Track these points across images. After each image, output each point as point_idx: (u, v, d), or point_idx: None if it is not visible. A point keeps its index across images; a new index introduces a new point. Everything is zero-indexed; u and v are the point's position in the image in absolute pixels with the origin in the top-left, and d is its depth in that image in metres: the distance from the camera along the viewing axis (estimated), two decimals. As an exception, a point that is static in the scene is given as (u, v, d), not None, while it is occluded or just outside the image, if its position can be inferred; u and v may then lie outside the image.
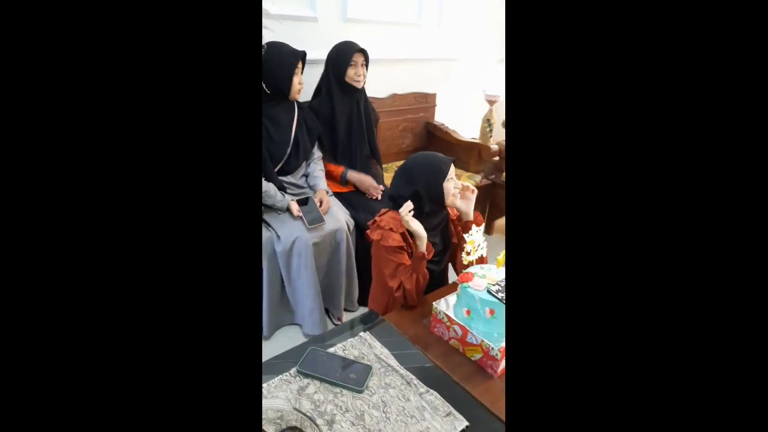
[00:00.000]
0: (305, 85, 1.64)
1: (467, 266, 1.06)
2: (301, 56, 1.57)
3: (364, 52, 1.72)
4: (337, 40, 1.74)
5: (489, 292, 0.95)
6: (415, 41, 2.28)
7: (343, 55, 1.70)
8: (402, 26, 2.20)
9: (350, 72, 1.72)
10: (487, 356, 0.94)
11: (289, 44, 1.56)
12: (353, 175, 1.80)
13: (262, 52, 1.52)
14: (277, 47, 1.55)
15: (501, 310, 0.95)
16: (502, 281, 0.98)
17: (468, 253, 1.02)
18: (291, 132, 1.63)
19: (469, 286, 0.98)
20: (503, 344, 0.94)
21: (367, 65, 1.75)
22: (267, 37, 1.54)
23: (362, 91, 1.80)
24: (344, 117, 1.78)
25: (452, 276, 1.30)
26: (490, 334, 0.97)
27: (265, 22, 1.51)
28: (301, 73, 1.59)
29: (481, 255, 1.08)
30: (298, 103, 1.68)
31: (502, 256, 1.05)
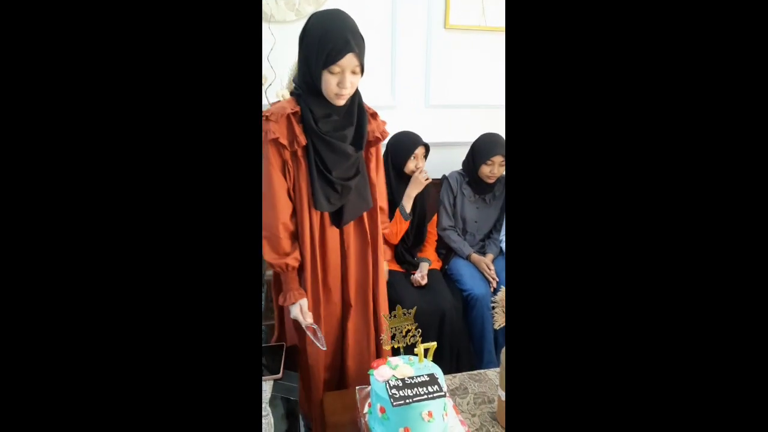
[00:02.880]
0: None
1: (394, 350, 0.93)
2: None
3: (426, 145, 1.72)
4: (419, 127, 1.83)
5: (387, 386, 0.82)
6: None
7: (405, 148, 1.71)
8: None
9: (410, 164, 1.71)
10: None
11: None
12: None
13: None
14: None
15: (394, 414, 0.80)
16: (414, 378, 0.83)
17: (392, 336, 0.91)
18: None
19: (373, 373, 0.86)
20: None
21: (426, 156, 1.75)
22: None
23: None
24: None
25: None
26: (381, 439, 0.82)
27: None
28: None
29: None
30: None
31: (430, 348, 0.90)
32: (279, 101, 1.14)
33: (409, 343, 0.91)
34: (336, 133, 1.08)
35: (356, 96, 1.10)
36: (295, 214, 1.12)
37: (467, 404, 1.03)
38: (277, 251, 1.09)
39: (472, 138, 1.86)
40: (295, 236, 1.13)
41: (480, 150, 1.79)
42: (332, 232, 1.16)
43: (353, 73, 1.01)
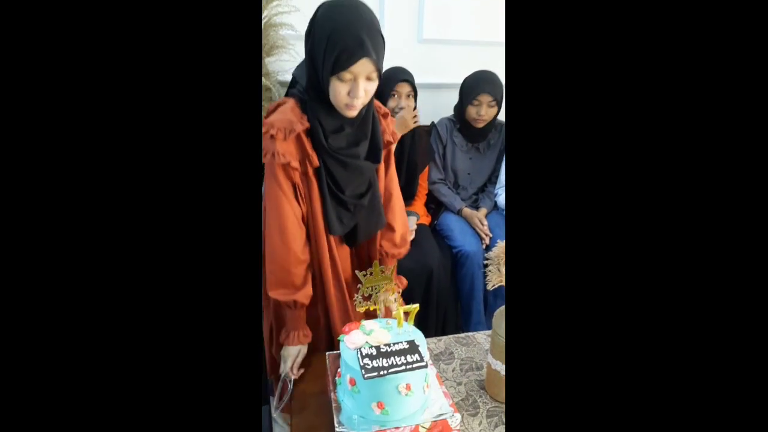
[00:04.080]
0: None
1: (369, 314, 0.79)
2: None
3: (410, 81, 1.51)
4: (411, 63, 1.63)
5: (358, 354, 0.69)
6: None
7: (384, 83, 1.46)
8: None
9: (390, 104, 1.51)
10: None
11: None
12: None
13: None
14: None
15: (365, 387, 0.68)
16: (390, 346, 0.71)
17: (366, 297, 0.77)
18: None
19: (343, 339, 0.74)
20: (373, 429, 0.67)
21: (415, 96, 1.54)
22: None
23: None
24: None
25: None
26: (350, 415, 0.71)
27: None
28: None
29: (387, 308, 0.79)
30: None
31: (411, 311, 0.77)
32: (278, 106, 0.89)
33: (387, 305, 0.78)
34: (349, 149, 0.89)
35: (370, 102, 0.90)
36: (309, 241, 0.93)
37: (452, 371, 0.92)
38: (286, 286, 0.90)
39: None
40: (308, 267, 0.94)
41: (466, 88, 1.60)
42: (343, 252, 0.99)
43: (368, 79, 0.81)
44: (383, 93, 1.51)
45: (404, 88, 1.51)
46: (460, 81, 1.65)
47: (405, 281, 1.07)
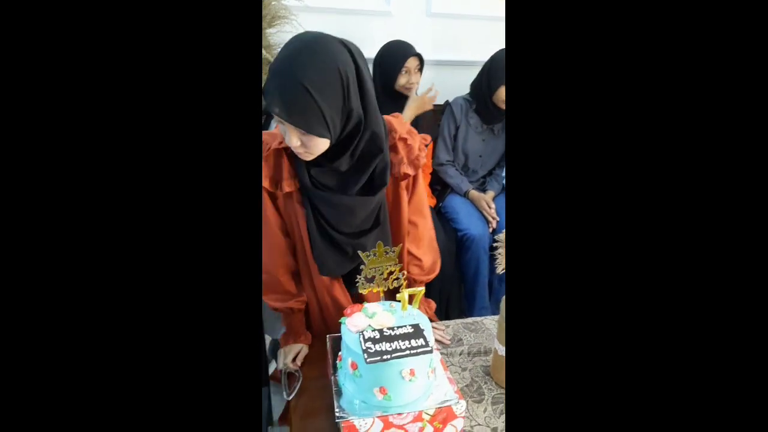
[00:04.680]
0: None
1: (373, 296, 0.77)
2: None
3: (419, 56, 1.46)
4: (417, 38, 1.56)
5: (361, 338, 0.66)
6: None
7: (393, 59, 1.45)
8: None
9: (401, 80, 1.46)
10: None
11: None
12: None
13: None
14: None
15: (368, 371, 0.65)
16: (394, 330, 0.67)
17: (369, 279, 0.73)
18: None
19: (345, 322, 0.70)
20: (374, 415, 0.64)
21: (421, 69, 1.49)
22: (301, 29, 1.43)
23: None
24: None
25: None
26: (351, 399, 0.68)
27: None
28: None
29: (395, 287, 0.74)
30: None
31: (416, 294, 0.73)
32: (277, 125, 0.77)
33: (390, 288, 0.74)
34: (335, 182, 0.77)
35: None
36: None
37: (459, 356, 0.89)
38: (277, 292, 0.86)
39: (482, 57, 1.58)
40: (297, 274, 0.87)
41: (498, 68, 1.48)
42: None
43: (302, 133, 0.69)
44: (393, 70, 1.46)
45: (413, 63, 1.46)
46: (472, 58, 1.58)
47: (434, 305, 1.00)
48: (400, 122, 0.85)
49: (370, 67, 1.48)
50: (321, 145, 0.71)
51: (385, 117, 0.83)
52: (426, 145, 0.87)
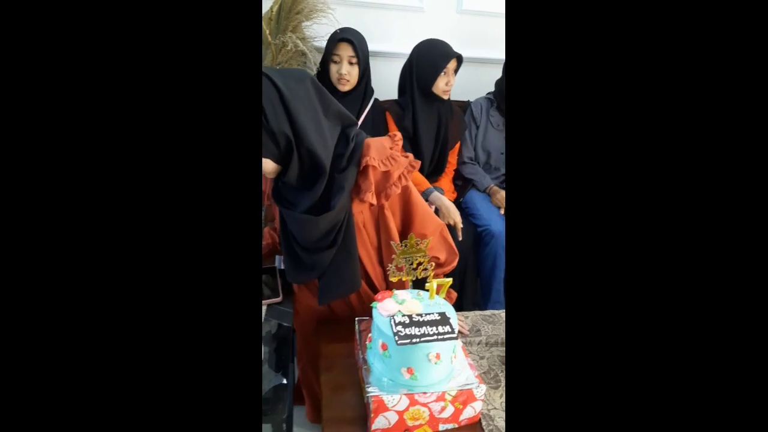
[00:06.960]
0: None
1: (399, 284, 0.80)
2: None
3: (459, 57, 1.43)
4: (447, 35, 1.57)
5: (392, 321, 0.71)
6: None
7: (433, 62, 1.41)
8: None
9: (440, 83, 1.42)
10: (381, 406, 0.71)
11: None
12: (438, 200, 1.44)
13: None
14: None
15: (397, 353, 0.70)
16: (422, 316, 0.72)
17: (399, 268, 0.78)
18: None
19: (377, 306, 0.76)
20: (401, 392, 0.70)
21: (457, 71, 1.47)
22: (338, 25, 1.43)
23: (449, 102, 1.53)
24: (430, 133, 1.50)
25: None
26: (379, 377, 0.73)
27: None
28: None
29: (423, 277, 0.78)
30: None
31: (444, 284, 0.78)
32: None
33: (419, 277, 0.80)
34: (291, 199, 0.81)
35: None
36: None
37: (477, 345, 0.94)
38: None
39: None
40: None
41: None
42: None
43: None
44: (433, 72, 1.42)
45: (453, 65, 1.45)
46: (500, 56, 1.60)
47: (455, 296, 1.01)
48: (380, 147, 0.82)
49: (399, 63, 1.51)
50: (266, 163, 0.76)
51: (366, 140, 0.82)
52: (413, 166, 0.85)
